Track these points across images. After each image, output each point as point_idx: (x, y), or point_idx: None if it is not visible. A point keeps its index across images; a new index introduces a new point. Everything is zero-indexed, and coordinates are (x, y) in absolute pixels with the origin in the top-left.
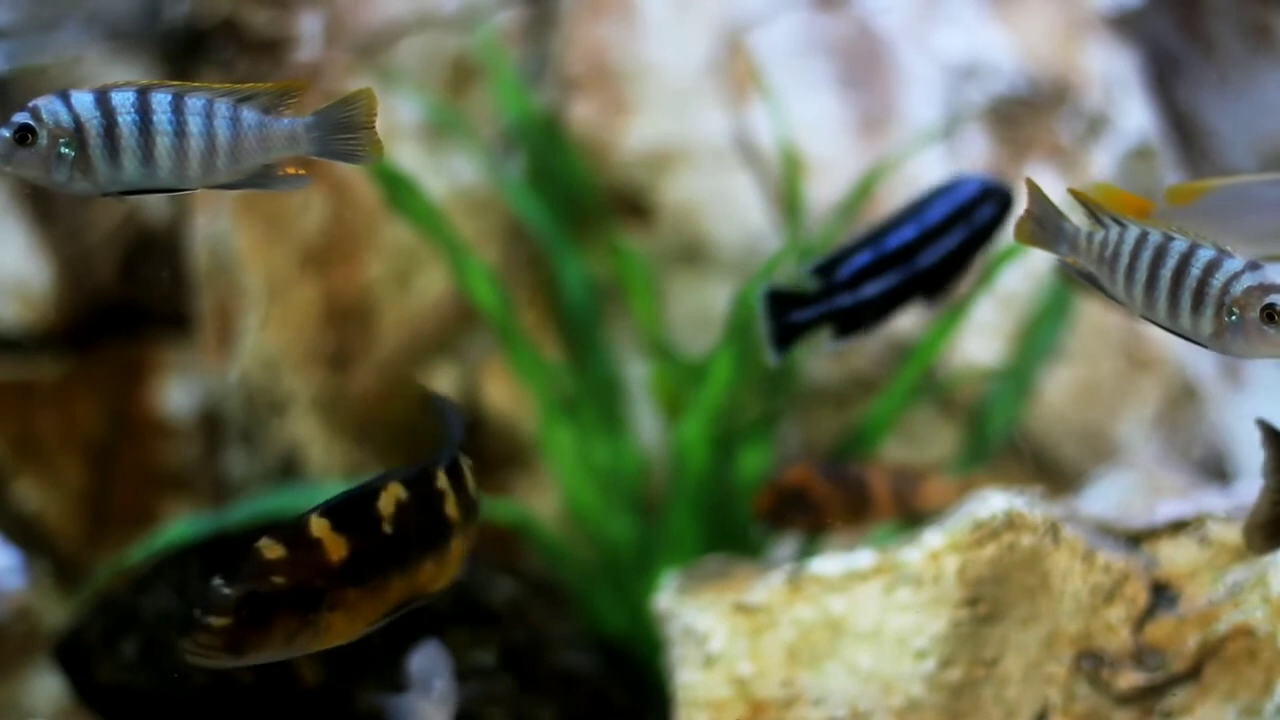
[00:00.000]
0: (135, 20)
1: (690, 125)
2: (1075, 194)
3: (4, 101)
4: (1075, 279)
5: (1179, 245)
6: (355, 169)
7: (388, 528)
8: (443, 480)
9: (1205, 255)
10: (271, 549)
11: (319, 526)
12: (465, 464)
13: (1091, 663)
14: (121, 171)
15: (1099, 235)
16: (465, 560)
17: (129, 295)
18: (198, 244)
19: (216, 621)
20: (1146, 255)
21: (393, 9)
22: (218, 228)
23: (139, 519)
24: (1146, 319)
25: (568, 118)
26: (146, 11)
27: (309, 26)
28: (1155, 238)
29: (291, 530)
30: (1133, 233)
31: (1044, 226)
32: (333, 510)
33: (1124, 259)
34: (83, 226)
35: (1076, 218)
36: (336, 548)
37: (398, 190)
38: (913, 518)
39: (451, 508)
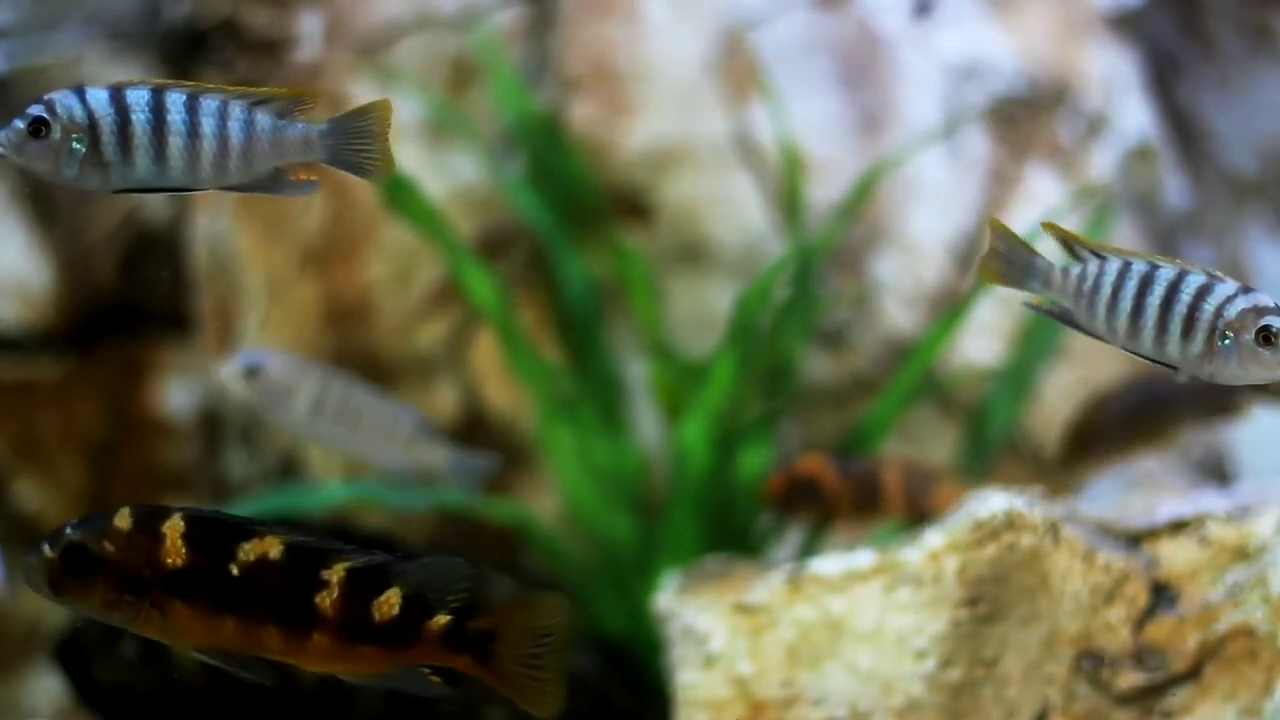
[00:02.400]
0: (135, 20)
1: (690, 125)
2: (1050, 228)
3: (4, 101)
4: (1044, 317)
5: (1166, 273)
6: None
7: (235, 569)
8: (336, 574)
9: (1195, 281)
10: (123, 519)
11: (171, 526)
12: (398, 593)
13: (1091, 663)
14: (133, 169)
15: (1076, 269)
16: (364, 672)
17: (129, 295)
18: (198, 244)
19: (46, 552)
20: (1131, 285)
21: (393, 9)
22: (218, 228)
23: None
24: (1129, 351)
25: (568, 118)
26: (146, 11)
27: (309, 26)
28: (1140, 267)
29: (150, 514)
30: (1114, 264)
31: (1013, 264)
32: (195, 520)
33: (1105, 291)
34: (83, 226)
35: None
36: (174, 554)
37: (396, 192)
38: (922, 518)
39: (327, 603)
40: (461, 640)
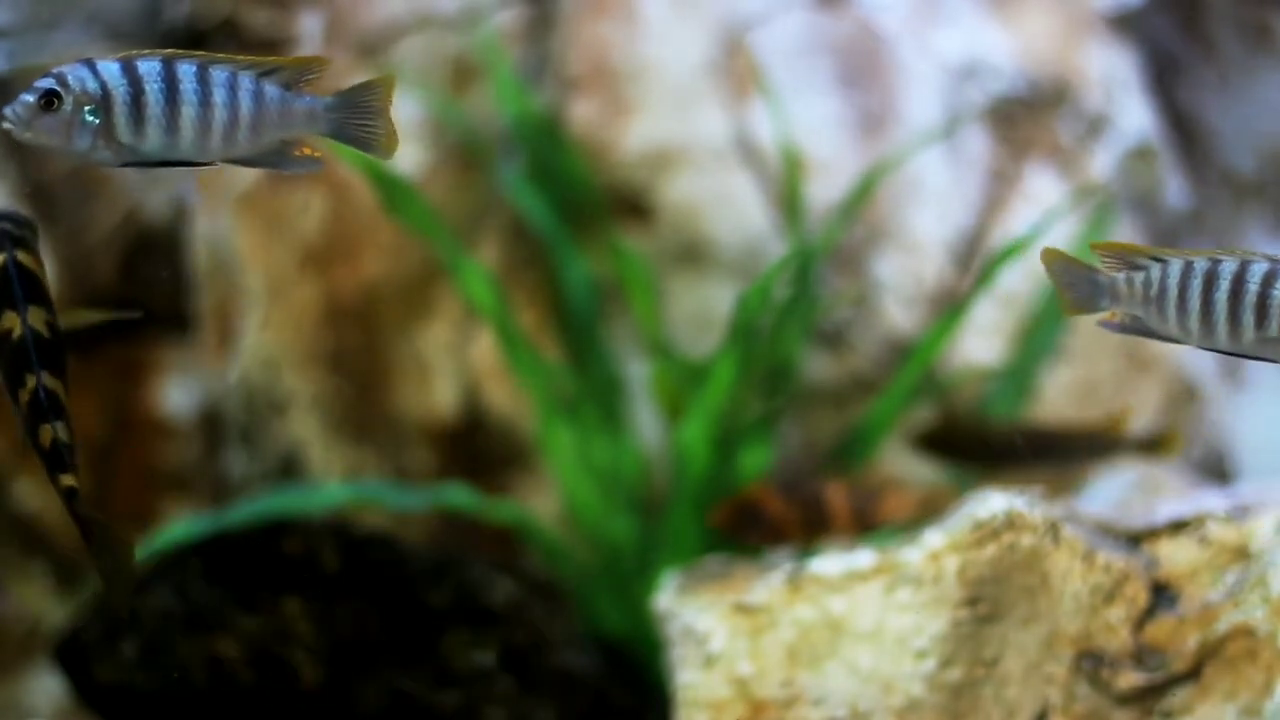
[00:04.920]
0: (135, 20)
1: (690, 125)
2: (1098, 246)
3: (4, 101)
4: (1119, 332)
5: (1229, 266)
6: (353, 170)
7: None
8: (31, 382)
9: (1259, 269)
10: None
11: None
12: (50, 431)
13: (1091, 663)
14: (145, 141)
15: (1139, 277)
16: None
17: (129, 295)
18: (198, 244)
19: None
20: (1196, 284)
21: (393, 9)
22: (218, 228)
23: (139, 519)
24: (1205, 348)
25: (568, 118)
26: (146, 11)
27: (309, 26)
28: (1201, 264)
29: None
30: (1176, 265)
31: (1079, 290)
32: (6, 269)
33: (1172, 293)
34: (83, 226)
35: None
36: None
37: (395, 194)
38: (873, 531)
39: (20, 399)
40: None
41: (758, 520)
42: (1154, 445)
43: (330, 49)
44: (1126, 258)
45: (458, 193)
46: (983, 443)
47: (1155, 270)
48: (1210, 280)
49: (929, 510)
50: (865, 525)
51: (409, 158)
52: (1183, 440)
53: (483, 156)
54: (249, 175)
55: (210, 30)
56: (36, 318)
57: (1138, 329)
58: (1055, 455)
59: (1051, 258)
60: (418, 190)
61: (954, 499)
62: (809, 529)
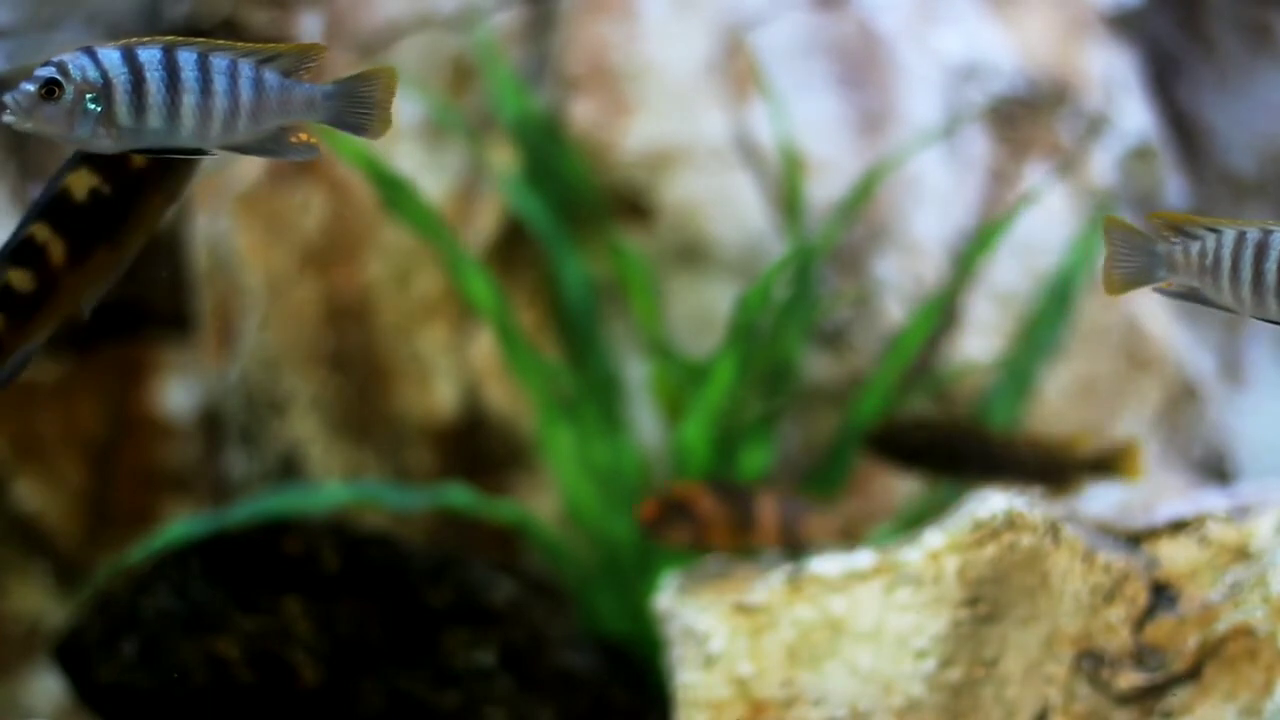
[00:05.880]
0: (135, 20)
1: (690, 125)
2: (1155, 217)
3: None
4: (1175, 299)
5: (1279, 237)
6: (353, 170)
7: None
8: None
9: None
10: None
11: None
12: None
13: (1091, 663)
14: (145, 128)
15: (1195, 246)
16: None
17: (129, 295)
18: (198, 244)
19: None
20: (1248, 254)
21: (393, 9)
22: (218, 228)
23: (139, 519)
24: (1260, 318)
25: (568, 118)
26: (146, 11)
27: (309, 26)
28: (1254, 235)
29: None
30: (1229, 235)
31: (1137, 259)
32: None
33: (1225, 263)
34: None
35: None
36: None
37: (394, 192)
38: (795, 547)
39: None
40: None
41: (686, 517)
42: (1108, 466)
43: (330, 49)
44: (1182, 228)
45: (459, 193)
46: (922, 448)
47: (1210, 240)
48: (1261, 251)
49: (849, 537)
50: (787, 540)
51: (410, 157)
52: (1142, 462)
53: (482, 156)
54: (249, 175)
55: (210, 30)
56: (80, 180)
57: (1194, 298)
58: (1001, 470)
59: (1112, 226)
60: (417, 189)
61: (870, 530)
62: (736, 534)
